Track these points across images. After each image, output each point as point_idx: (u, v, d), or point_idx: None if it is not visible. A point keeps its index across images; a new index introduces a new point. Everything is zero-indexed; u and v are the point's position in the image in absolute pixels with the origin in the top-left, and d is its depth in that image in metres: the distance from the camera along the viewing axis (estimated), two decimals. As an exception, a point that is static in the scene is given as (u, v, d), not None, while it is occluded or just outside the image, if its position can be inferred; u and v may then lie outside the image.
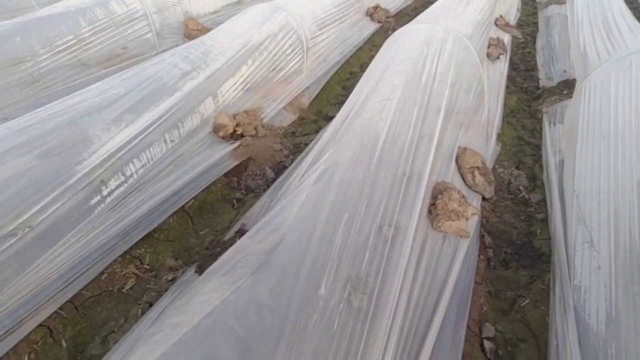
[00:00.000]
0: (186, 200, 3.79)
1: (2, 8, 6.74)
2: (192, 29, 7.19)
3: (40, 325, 2.73)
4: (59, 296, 2.86)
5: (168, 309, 2.09)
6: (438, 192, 3.42)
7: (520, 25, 8.45)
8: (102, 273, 3.08)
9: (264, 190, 4.14)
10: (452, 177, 3.72)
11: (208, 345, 1.77)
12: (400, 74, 4.09)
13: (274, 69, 5.45)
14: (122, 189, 3.51)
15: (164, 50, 6.50)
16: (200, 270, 3.04)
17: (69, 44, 5.53)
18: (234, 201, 4.02)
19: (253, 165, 4.45)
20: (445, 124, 3.82)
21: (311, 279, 2.34)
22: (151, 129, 3.82)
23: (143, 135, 3.74)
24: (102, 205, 3.35)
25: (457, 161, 3.95)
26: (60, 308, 2.84)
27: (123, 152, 3.54)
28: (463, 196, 3.45)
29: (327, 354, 2.10)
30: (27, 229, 2.91)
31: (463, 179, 3.91)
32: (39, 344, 2.70)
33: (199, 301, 2.01)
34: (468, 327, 2.70)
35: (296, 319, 2.10)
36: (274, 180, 4.25)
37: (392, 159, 3.27)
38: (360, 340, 2.23)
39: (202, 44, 4.97)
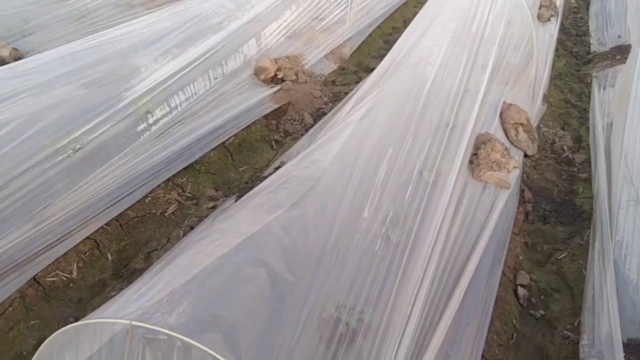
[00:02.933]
0: (227, 137, 3.84)
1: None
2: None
3: (88, 237, 2.85)
4: (106, 213, 2.98)
5: (216, 218, 2.15)
6: (481, 143, 3.37)
7: (573, -10, 8.04)
8: (146, 196, 3.18)
9: (302, 135, 4.16)
10: (495, 131, 3.65)
11: (257, 250, 1.82)
12: (450, 22, 3.98)
13: (317, 17, 5.37)
14: (166, 119, 3.58)
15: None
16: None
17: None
18: (273, 142, 4.05)
19: (292, 110, 4.45)
20: (492, 77, 3.72)
21: (353, 207, 2.37)
22: (196, 64, 3.85)
23: (188, 69, 3.77)
24: (148, 132, 3.43)
25: (501, 116, 3.87)
26: (107, 224, 2.95)
27: (168, 83, 3.59)
28: (506, 148, 3.40)
29: (365, 277, 2.13)
30: (77, 148, 3.01)
31: (506, 134, 3.84)
32: (86, 254, 2.83)
33: (247, 214, 2.06)
34: (503, 273, 2.70)
35: (337, 240, 2.14)
36: (312, 126, 4.25)
37: (437, 105, 3.22)
38: (397, 271, 2.26)
39: (248, -14, 4.91)
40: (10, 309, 2.47)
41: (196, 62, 3.85)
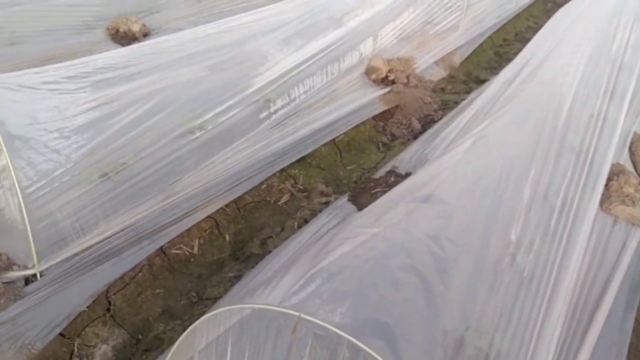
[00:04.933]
0: (337, 134, 3.85)
1: None
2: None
3: (209, 216, 2.95)
4: (226, 195, 3.07)
5: (356, 218, 2.14)
6: (613, 174, 3.16)
7: None
8: (262, 183, 3.25)
9: (408, 140, 4.09)
10: (625, 163, 3.42)
11: (406, 255, 1.79)
12: (586, 41, 3.75)
13: (431, 21, 5.26)
14: (285, 110, 3.63)
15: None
16: (354, 201, 3.10)
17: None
18: (380, 144, 4.02)
19: (400, 113, 4.39)
20: (631, 105, 3.48)
21: (490, 226, 2.28)
22: (317, 57, 3.88)
23: (310, 62, 3.81)
24: (268, 121, 3.49)
25: (630, 148, 3.62)
26: (226, 206, 3.04)
27: (292, 74, 3.64)
28: (640, 183, 3.17)
29: (493, 300, 2.05)
30: (209, 128, 3.11)
31: (635, 166, 3.58)
32: (207, 232, 2.92)
33: (391, 218, 2.03)
34: (636, 319, 2.51)
35: (477, 257, 2.07)
36: (420, 132, 4.17)
37: (574, 128, 3.05)
38: (535, 300, 2.15)
39: (368, -16, 4.89)
40: (140, 274, 2.60)
41: (317, 55, 3.87)
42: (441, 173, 2.59)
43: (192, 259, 2.79)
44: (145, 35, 4.73)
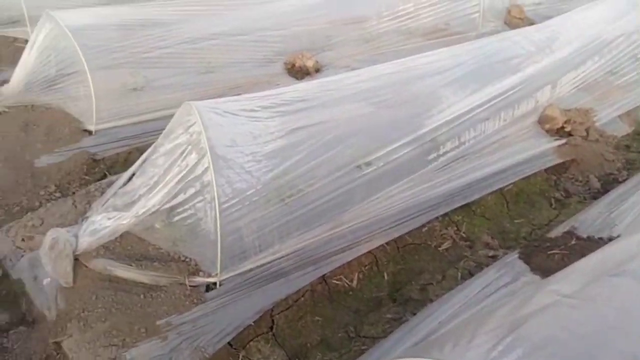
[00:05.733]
0: (505, 184, 3.62)
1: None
2: (514, 17, 6.85)
3: (369, 252, 2.94)
4: (387, 233, 3.04)
5: (550, 283, 1.93)
6: None
7: None
8: (423, 225, 3.16)
9: (585, 199, 3.69)
10: None
11: (624, 341, 1.54)
12: None
13: (616, 72, 4.80)
14: (453, 153, 3.53)
15: (485, 33, 6.41)
16: (526, 259, 2.84)
17: (401, 12, 5.83)
18: (552, 200, 3.68)
19: (576, 168, 4.00)
20: None
21: None
22: (492, 102, 3.73)
23: (484, 107, 3.67)
24: (435, 163, 3.42)
25: None
26: (387, 244, 3.01)
27: (464, 118, 3.54)
28: None
29: None
30: (373, 166, 3.14)
31: None
32: (366, 267, 2.92)
33: (596, 291, 1.79)
34: None
35: None
36: (599, 192, 3.74)
37: None
38: None
39: (548, 29, 4.64)
40: (302, 299, 2.67)
41: (492, 101, 3.73)
42: None
43: (350, 292, 2.79)
44: (317, 70, 5.04)
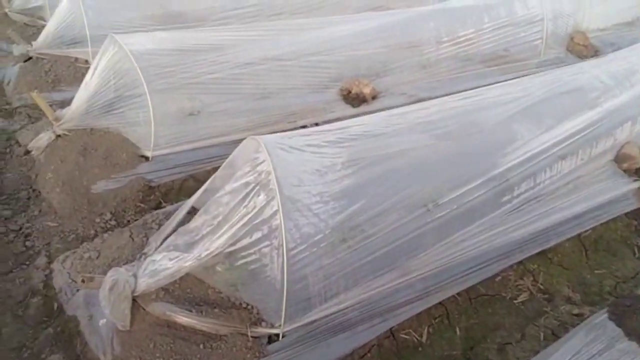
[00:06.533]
0: (582, 229, 3.33)
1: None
2: (578, 44, 6.53)
3: (440, 303, 2.72)
4: (458, 282, 2.82)
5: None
6: None
7: None
8: (496, 275, 2.92)
9: (673, 249, 3.35)
10: None
11: None
12: None
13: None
14: (526, 195, 3.27)
15: (547, 61, 6.12)
16: (618, 321, 2.55)
17: (462, 38, 5.61)
18: (635, 249, 3.36)
19: (661, 213, 3.66)
20: None
21: None
22: (569, 140, 3.46)
23: (561, 145, 3.40)
24: (508, 205, 3.17)
25: None
26: (458, 294, 2.78)
27: (541, 157, 3.28)
28: None
29: None
30: (442, 208, 2.92)
31: None
32: (436, 320, 2.69)
33: None
34: None
35: None
36: (688, 240, 3.39)
37: None
38: None
39: (624, 60, 4.33)
40: (369, 354, 2.47)
41: (570, 138, 3.45)
42: None
43: (420, 348, 2.57)
44: (374, 97, 4.88)
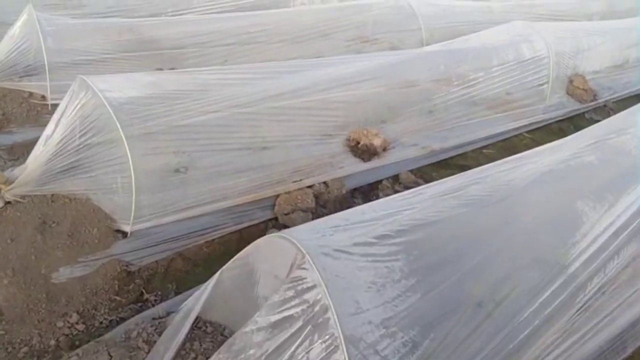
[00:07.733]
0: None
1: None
2: (577, 87, 6.27)
3: None
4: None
5: None
6: None
7: None
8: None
9: None
10: None
11: None
12: None
13: None
14: (594, 289, 2.75)
15: (552, 106, 5.81)
16: None
17: (472, 82, 5.21)
18: None
19: None
20: None
21: None
22: (633, 218, 2.99)
23: (630, 225, 2.93)
24: (579, 305, 2.63)
25: None
26: None
27: (613, 242, 2.78)
28: None
29: None
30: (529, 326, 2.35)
31: None
32: None
33: None
34: None
35: None
36: None
37: None
38: None
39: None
40: None
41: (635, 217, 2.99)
42: None
43: None
44: (385, 149, 4.32)
